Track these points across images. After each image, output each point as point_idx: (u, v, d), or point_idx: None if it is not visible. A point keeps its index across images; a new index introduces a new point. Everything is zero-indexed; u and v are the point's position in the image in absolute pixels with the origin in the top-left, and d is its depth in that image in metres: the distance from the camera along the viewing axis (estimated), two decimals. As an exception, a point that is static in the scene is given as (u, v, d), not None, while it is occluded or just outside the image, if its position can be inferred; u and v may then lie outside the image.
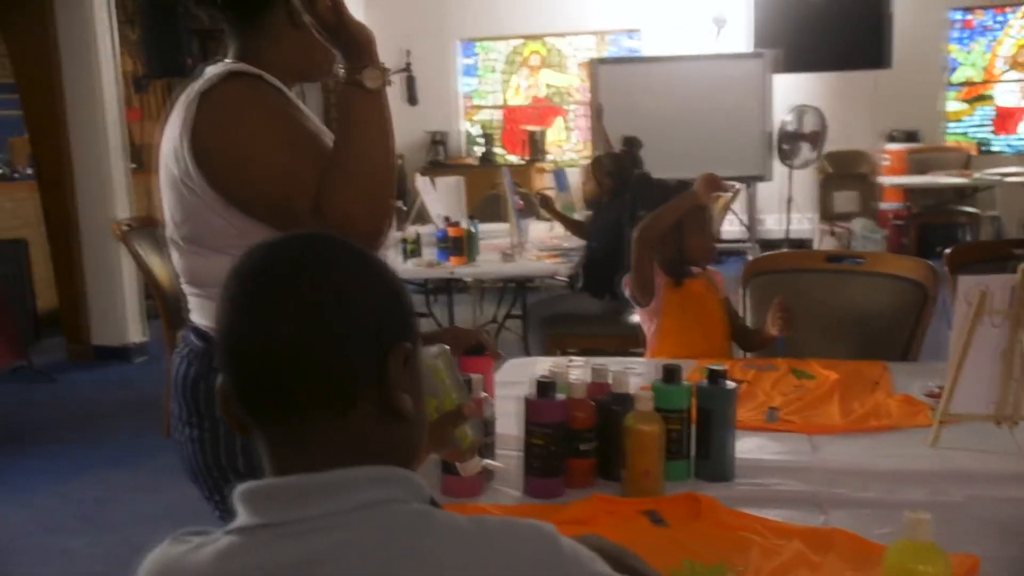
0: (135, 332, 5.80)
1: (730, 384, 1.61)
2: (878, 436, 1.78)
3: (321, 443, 0.83)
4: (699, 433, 1.59)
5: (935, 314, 2.45)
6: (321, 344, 0.81)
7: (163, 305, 4.08)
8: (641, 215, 2.46)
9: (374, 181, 1.35)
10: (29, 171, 7.04)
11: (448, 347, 1.25)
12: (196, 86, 1.43)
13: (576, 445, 1.54)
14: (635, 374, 2.20)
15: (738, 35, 8.59)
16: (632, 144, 4.56)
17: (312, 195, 1.35)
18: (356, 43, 1.34)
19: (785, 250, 8.37)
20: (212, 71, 1.45)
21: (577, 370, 2.27)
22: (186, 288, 1.56)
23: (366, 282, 0.85)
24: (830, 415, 1.90)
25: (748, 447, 1.70)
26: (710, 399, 1.59)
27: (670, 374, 1.59)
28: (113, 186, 5.63)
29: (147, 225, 4.36)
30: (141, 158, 7.90)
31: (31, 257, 6.16)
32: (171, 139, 1.44)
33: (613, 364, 2.30)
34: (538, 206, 5.28)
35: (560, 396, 1.54)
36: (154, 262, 4.16)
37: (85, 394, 5.13)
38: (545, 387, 1.52)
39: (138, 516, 3.48)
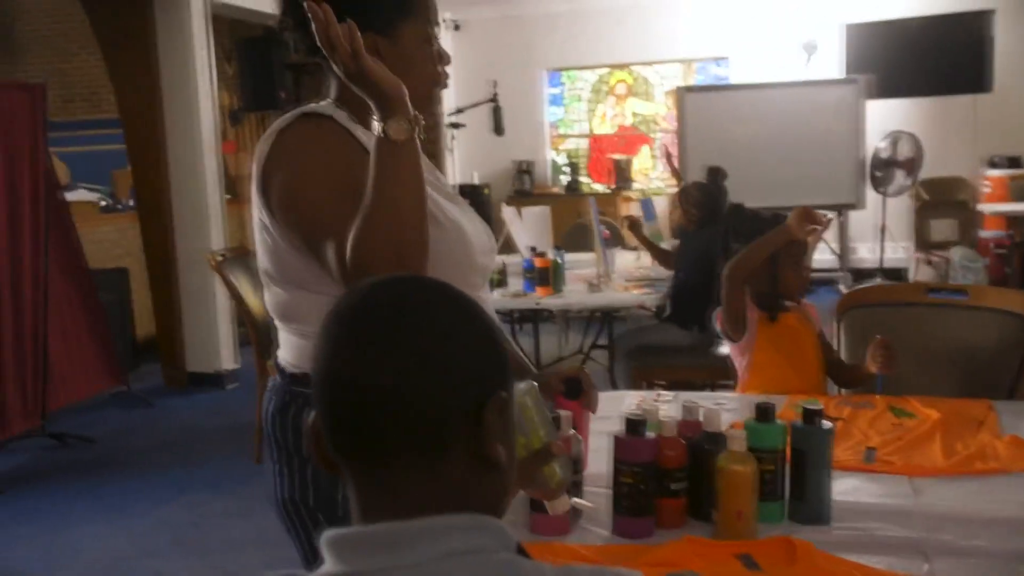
0: (227, 359, 5.94)
1: (826, 424, 1.56)
2: (985, 480, 1.70)
3: (410, 489, 0.82)
4: (794, 474, 1.55)
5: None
6: (420, 390, 0.81)
7: (254, 333, 4.16)
8: (734, 248, 2.41)
9: (400, 231, 1.29)
10: (131, 202, 7.31)
11: (536, 383, 1.23)
12: (275, 125, 1.46)
13: (666, 484, 1.51)
14: (726, 410, 2.16)
15: (829, 61, 8.45)
16: (716, 174, 4.50)
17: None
18: (380, 93, 1.29)
19: (881, 282, 8.17)
20: (295, 111, 1.47)
21: (666, 404, 2.24)
22: (275, 321, 1.58)
23: (468, 329, 0.85)
24: (932, 456, 1.82)
25: (845, 488, 1.64)
26: (805, 439, 1.54)
27: (763, 413, 1.55)
28: (209, 217, 5.80)
29: (240, 255, 4.48)
30: (235, 189, 8.15)
31: (132, 285, 6.37)
32: (252, 175, 1.48)
33: (703, 399, 2.28)
34: (625, 228, 5.25)
35: (650, 434, 1.52)
36: (246, 291, 4.26)
37: (180, 419, 5.26)
38: (635, 425, 1.50)
39: (230, 542, 3.54)
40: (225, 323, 5.91)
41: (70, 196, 6.67)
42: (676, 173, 5.94)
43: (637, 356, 4.16)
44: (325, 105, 1.51)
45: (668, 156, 6.05)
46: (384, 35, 1.46)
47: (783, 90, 8.15)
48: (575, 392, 1.62)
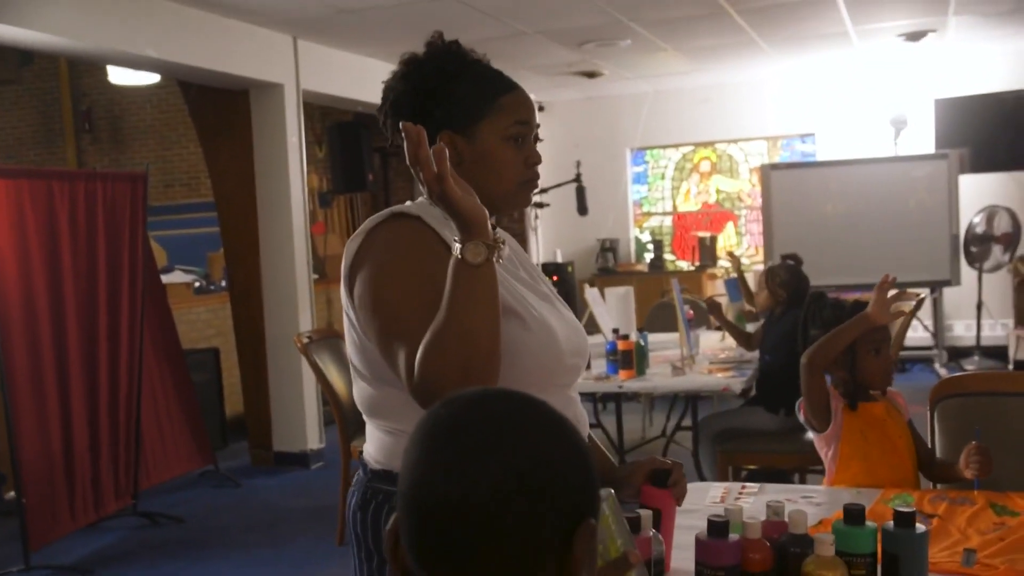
0: (313, 439, 6.01)
1: (920, 528, 1.49)
2: (1095, 587, 1.60)
3: None
4: (886, 580, 1.48)
5: None
6: (515, 511, 0.79)
7: (339, 413, 4.21)
8: (813, 335, 2.36)
9: (468, 353, 1.28)
10: (224, 283, 7.54)
11: (614, 491, 1.21)
12: (366, 223, 1.49)
13: (751, 588, 1.46)
14: (814, 504, 2.10)
15: (918, 136, 8.32)
16: (794, 260, 4.43)
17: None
18: (461, 216, 1.30)
19: (979, 360, 7.88)
20: (387, 211, 1.50)
21: (751, 498, 2.17)
22: (363, 415, 1.59)
23: (564, 453, 0.84)
24: (1037, 560, 1.72)
25: (942, 595, 1.56)
26: (898, 543, 1.48)
27: (852, 516, 1.49)
28: (297, 298, 5.93)
29: (326, 336, 4.56)
30: (323, 269, 8.34)
31: (223, 365, 6.53)
32: (342, 272, 1.50)
33: (790, 492, 2.21)
34: (707, 312, 5.19)
35: (733, 535, 1.47)
36: (332, 372, 4.32)
37: (266, 499, 5.32)
38: (717, 527, 1.45)
39: (311, 626, 3.53)
40: (311, 403, 6.00)
41: (166, 278, 6.92)
42: (748, 288, 5.61)
43: (722, 440, 4.07)
44: (418, 204, 1.53)
45: (738, 265, 5.66)
46: (462, 135, 1.50)
47: (871, 166, 8.04)
48: (662, 481, 1.58)
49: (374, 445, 1.53)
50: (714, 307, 4.76)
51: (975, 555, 1.75)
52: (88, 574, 4.18)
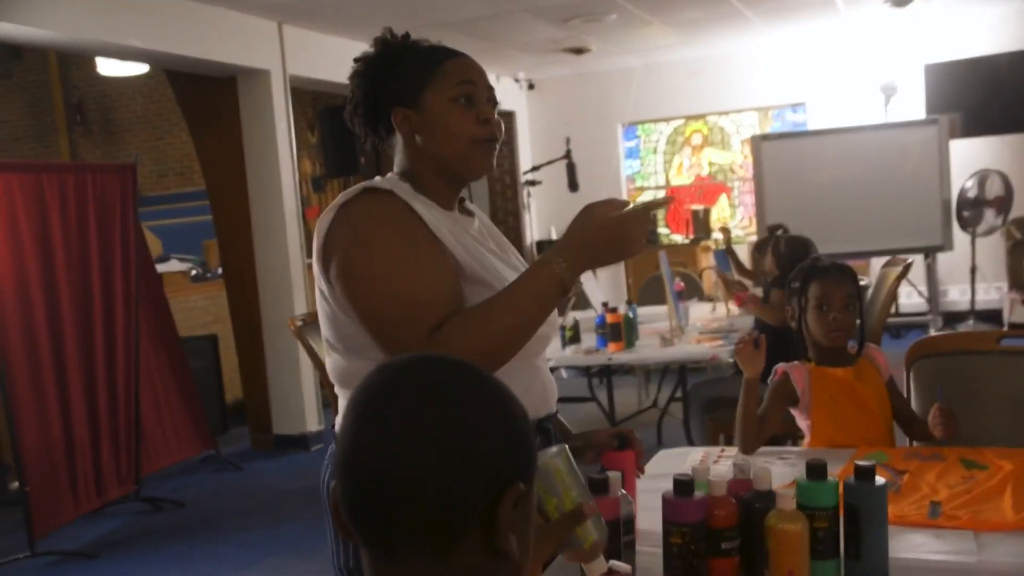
0: (312, 421, 6.07)
1: (879, 480, 1.53)
2: (1056, 535, 1.65)
3: (420, 574, 0.83)
4: (848, 532, 1.52)
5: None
6: (435, 478, 0.81)
7: (334, 395, 4.25)
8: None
9: (501, 345, 1.39)
10: (219, 271, 7.58)
11: (567, 446, 1.25)
12: (338, 199, 1.53)
13: (717, 544, 1.51)
14: (789, 464, 2.15)
15: (909, 102, 8.32)
16: (780, 231, 4.45)
17: (423, 323, 1.40)
18: (582, 258, 1.42)
19: (949, 331, 7.91)
20: (358, 186, 1.55)
21: (729, 461, 2.22)
22: (335, 388, 1.64)
23: (492, 419, 0.85)
24: (1001, 510, 1.76)
25: (907, 545, 1.60)
26: (859, 496, 1.52)
27: (814, 471, 1.53)
28: (291, 283, 5.97)
29: (321, 319, 4.59)
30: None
31: (221, 351, 6.58)
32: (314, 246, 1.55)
33: (767, 455, 2.26)
34: (723, 243, 5.30)
35: (700, 494, 1.51)
36: (326, 354, 4.35)
37: (267, 482, 5.38)
38: (682, 486, 1.50)
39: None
40: (309, 386, 6.05)
41: (163, 267, 6.97)
42: (738, 262, 5.74)
43: (712, 408, 4.12)
44: (388, 179, 1.58)
45: (728, 238, 5.78)
46: (411, 107, 1.56)
47: (862, 134, 8.05)
48: (623, 445, 1.65)
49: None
50: (727, 236, 4.81)
51: (940, 507, 1.79)
52: (93, 559, 4.25)
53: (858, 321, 2.35)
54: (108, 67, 7.70)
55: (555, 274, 1.41)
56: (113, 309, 4.78)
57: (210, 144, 6.11)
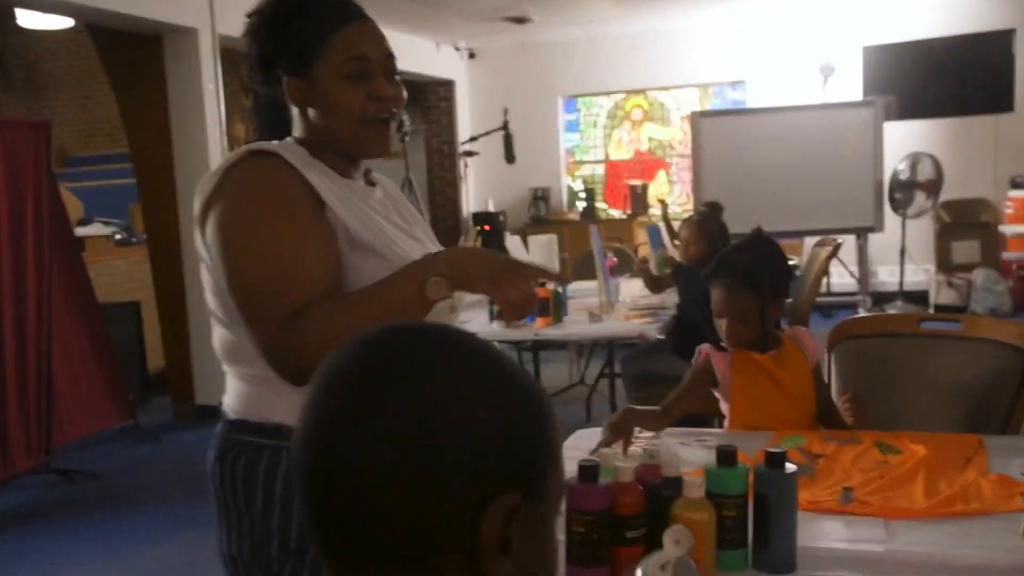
0: (237, 391, 5.92)
1: (790, 468, 1.49)
2: (965, 522, 1.62)
3: None
4: (756, 520, 1.48)
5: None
6: (392, 487, 0.64)
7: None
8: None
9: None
10: (145, 235, 7.36)
11: (686, 545, 1.19)
12: (223, 161, 1.44)
13: (622, 533, 1.45)
14: (707, 447, 2.10)
15: (847, 83, 8.38)
16: (716, 208, 4.41)
17: (289, 301, 1.32)
18: (460, 268, 1.36)
19: (871, 313, 8.02)
20: (244, 148, 1.46)
21: (642, 443, 2.17)
22: (222, 363, 1.54)
23: (474, 409, 0.66)
24: (912, 496, 1.74)
25: (816, 533, 1.57)
26: (768, 484, 1.48)
27: (723, 457, 1.48)
28: (218, 250, 5.80)
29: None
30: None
31: (145, 318, 6.39)
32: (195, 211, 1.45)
33: (686, 437, 2.21)
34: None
35: (605, 480, 1.46)
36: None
37: (187, 454, 5.24)
38: (587, 471, 1.44)
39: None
40: (234, 355, 5.90)
41: (85, 231, 6.74)
42: (672, 229, 5.52)
43: (642, 385, 4.09)
44: (283, 143, 1.49)
45: (665, 209, 5.45)
46: (301, 78, 1.46)
47: (800, 113, 8.08)
48: None
49: (231, 393, 1.49)
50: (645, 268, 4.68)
51: (852, 493, 1.76)
52: (-2, 533, 4.11)
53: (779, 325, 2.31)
54: (28, 19, 7.36)
55: (426, 277, 1.35)
56: (23, 272, 4.58)
57: (135, 105, 5.90)
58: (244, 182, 1.40)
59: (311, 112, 1.47)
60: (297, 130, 1.53)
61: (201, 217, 1.42)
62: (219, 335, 1.48)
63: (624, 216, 8.96)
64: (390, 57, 1.50)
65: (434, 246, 1.64)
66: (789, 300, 2.33)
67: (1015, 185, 8.15)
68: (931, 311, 8.02)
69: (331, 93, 1.45)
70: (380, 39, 1.50)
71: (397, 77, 1.52)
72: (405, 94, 1.53)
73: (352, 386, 0.68)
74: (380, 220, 1.50)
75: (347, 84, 1.45)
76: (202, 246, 1.43)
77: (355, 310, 1.34)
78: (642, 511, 1.46)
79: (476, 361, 0.69)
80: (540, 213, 9.16)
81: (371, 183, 1.61)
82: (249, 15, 1.51)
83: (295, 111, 1.52)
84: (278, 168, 1.41)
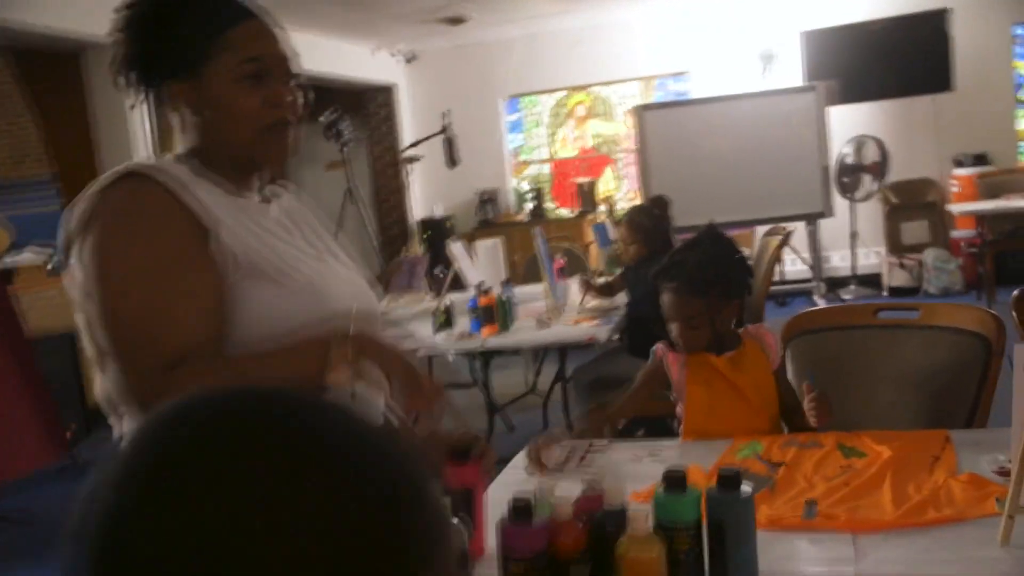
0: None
1: (745, 490, 1.34)
2: (938, 532, 1.49)
3: None
4: (712, 551, 1.34)
5: (1004, 370, 2.14)
6: None
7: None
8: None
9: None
10: (78, 262, 7.09)
11: None
12: (97, 182, 1.29)
13: (563, 575, 1.30)
14: (659, 461, 1.96)
15: (788, 70, 8.33)
16: (661, 203, 4.30)
17: (162, 349, 1.20)
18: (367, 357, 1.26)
19: (827, 305, 7.94)
20: (120, 168, 1.31)
21: (599, 454, 2.03)
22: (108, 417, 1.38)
23: (297, 503, 0.49)
24: (880, 506, 1.61)
25: (779, 555, 1.43)
26: (722, 509, 1.33)
27: (672, 483, 1.33)
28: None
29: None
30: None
31: (81, 349, 6.12)
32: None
33: (639, 448, 2.07)
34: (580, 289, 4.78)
35: (541, 518, 1.30)
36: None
37: (129, 488, 5.01)
38: (519, 511, 1.28)
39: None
40: (177, 382, 5.68)
41: (18, 258, 6.47)
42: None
43: (594, 391, 3.95)
44: (161, 161, 1.35)
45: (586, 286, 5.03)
46: (189, 83, 1.32)
47: (743, 102, 8.00)
48: (464, 455, 1.45)
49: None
50: (585, 284, 4.50)
51: (816, 506, 1.63)
52: (-77, 588, 3.86)
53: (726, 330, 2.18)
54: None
55: (330, 362, 1.23)
56: (-59, 311, 4.34)
57: (56, 127, 5.66)
58: (117, 210, 1.27)
59: (199, 119, 1.33)
60: (183, 140, 1.38)
61: (65, 250, 1.26)
62: (102, 383, 1.33)
63: (573, 215, 8.84)
64: (288, 59, 1.36)
65: (348, 263, 1.51)
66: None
67: (959, 164, 8.15)
68: (885, 294, 7.99)
69: (223, 97, 1.31)
70: (274, 38, 1.36)
71: (294, 82, 1.37)
72: (302, 100, 1.39)
73: (164, 475, 0.52)
74: (275, 242, 1.35)
75: (241, 88, 1.32)
76: (69, 283, 1.27)
77: (243, 378, 1.19)
78: (584, 549, 1.31)
79: (353, 427, 0.55)
80: (488, 216, 9.01)
81: (267, 199, 1.45)
82: (120, 8, 1.34)
83: (178, 119, 1.37)
84: (151, 194, 1.26)
